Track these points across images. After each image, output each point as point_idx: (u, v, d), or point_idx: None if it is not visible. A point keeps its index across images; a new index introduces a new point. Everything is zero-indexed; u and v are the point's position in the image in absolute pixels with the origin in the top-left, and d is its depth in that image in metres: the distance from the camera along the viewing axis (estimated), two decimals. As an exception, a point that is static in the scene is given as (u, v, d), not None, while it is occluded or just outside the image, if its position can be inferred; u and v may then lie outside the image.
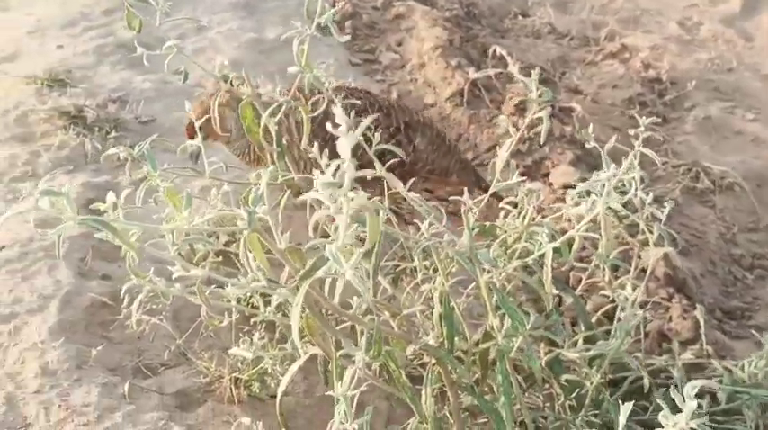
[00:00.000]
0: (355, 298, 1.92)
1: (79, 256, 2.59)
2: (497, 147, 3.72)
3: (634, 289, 2.15)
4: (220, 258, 2.33)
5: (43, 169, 3.05)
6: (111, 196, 1.47)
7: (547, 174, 3.46)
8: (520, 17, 4.95)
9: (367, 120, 1.36)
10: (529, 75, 4.09)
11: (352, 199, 1.36)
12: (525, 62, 4.27)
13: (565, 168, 3.41)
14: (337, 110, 1.23)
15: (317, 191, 1.33)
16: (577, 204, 1.94)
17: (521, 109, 3.78)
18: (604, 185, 1.89)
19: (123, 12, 2.37)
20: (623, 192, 2.06)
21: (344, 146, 1.26)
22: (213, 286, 1.98)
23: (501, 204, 2.22)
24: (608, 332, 2.15)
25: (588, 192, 1.97)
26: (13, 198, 2.90)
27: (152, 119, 3.45)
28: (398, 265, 2.18)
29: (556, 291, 2.08)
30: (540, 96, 2.08)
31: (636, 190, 2.04)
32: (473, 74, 4.00)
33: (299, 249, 1.65)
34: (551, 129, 3.60)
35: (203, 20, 4.31)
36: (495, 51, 4.18)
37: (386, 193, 2.12)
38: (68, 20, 4.21)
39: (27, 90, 3.54)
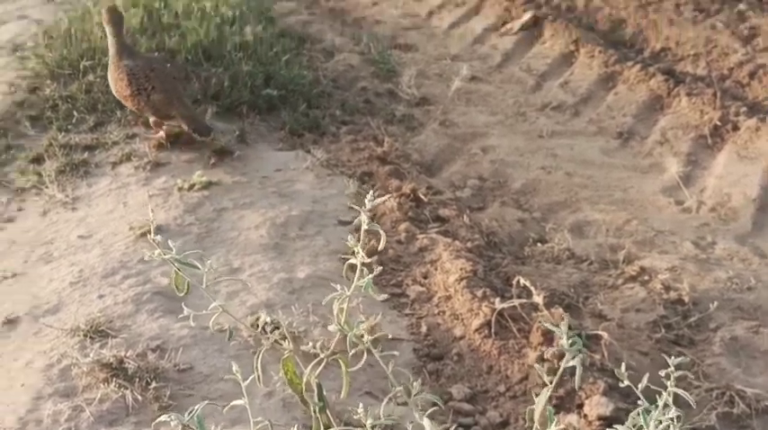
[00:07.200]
0: None
1: None
2: (528, 377, 3.79)
3: None
4: None
5: (86, 424, 3.11)
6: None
7: (581, 405, 3.48)
8: (539, 244, 5.13)
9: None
10: (553, 302, 4.20)
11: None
12: (548, 288, 4.39)
13: (598, 399, 3.43)
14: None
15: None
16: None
17: (549, 338, 3.85)
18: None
19: (159, 259, 2.54)
20: (662, 430, 2.14)
21: None
22: None
23: (542, 452, 2.25)
24: None
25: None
26: (56, 457, 2.95)
27: (190, 366, 3.54)
28: None
29: None
30: (571, 346, 2.16)
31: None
32: (499, 304, 4.10)
33: None
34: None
35: (235, 262, 4.50)
36: (518, 281, 4.31)
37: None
38: (109, 269, 4.42)
39: (70, 342, 3.67)
